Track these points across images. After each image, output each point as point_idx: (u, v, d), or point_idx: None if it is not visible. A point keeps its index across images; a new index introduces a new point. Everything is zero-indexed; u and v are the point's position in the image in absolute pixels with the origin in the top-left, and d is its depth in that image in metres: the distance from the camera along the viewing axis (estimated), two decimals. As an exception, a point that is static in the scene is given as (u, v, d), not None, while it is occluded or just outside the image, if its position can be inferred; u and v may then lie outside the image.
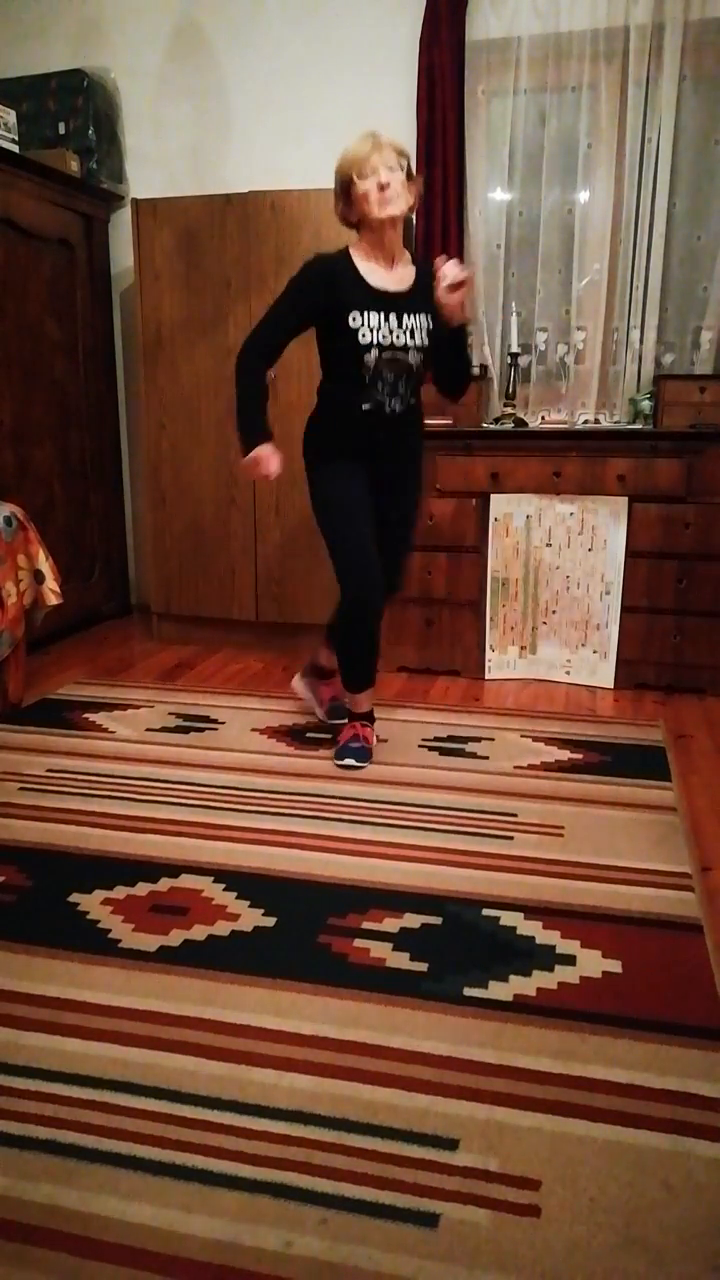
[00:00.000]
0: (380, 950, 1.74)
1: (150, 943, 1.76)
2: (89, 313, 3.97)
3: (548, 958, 1.71)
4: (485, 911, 1.87)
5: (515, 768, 2.58)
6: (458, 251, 3.54)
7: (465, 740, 2.78)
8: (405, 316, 2.39)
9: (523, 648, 3.43)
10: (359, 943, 1.76)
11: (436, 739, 2.79)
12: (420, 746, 2.73)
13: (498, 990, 1.62)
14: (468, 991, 1.62)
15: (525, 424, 3.47)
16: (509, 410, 3.54)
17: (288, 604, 3.71)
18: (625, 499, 3.19)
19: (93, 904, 1.89)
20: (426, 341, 2.44)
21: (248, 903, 1.90)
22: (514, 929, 1.81)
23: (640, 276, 3.45)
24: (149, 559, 3.90)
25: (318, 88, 3.76)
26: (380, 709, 2.91)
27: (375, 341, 2.37)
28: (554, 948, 1.75)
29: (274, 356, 2.43)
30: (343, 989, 1.62)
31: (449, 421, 3.29)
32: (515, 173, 3.55)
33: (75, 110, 3.81)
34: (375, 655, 2.62)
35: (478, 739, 2.79)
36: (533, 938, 1.78)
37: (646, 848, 2.13)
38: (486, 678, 3.43)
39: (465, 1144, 1.29)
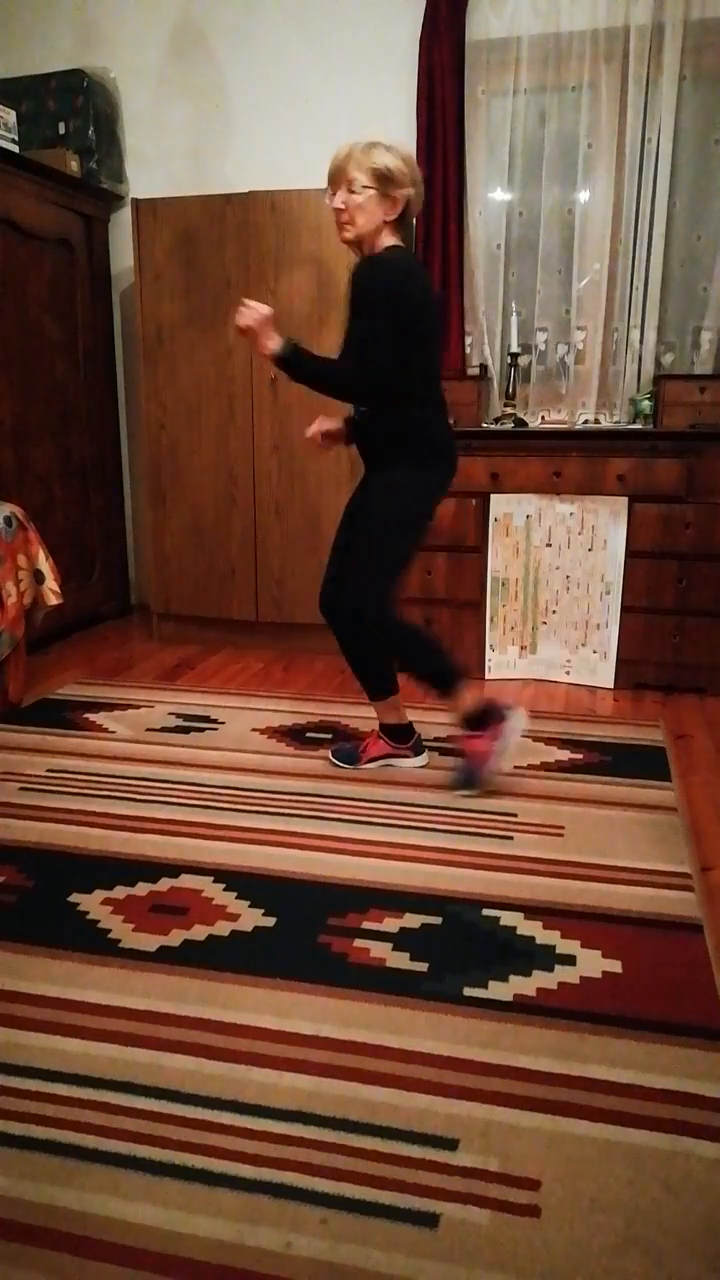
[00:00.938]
0: (380, 950, 1.74)
1: (150, 943, 1.76)
2: (89, 313, 3.97)
3: (548, 958, 1.71)
4: (485, 911, 1.87)
5: (515, 768, 2.58)
6: (458, 251, 3.55)
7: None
8: None
9: (523, 647, 3.43)
10: (359, 943, 1.76)
11: (437, 739, 2.79)
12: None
13: (498, 990, 1.62)
14: (468, 991, 1.62)
15: (525, 424, 3.47)
16: (509, 410, 3.55)
17: (288, 604, 3.71)
18: (625, 499, 3.19)
19: (93, 904, 1.89)
20: None
21: (248, 903, 1.90)
22: (514, 929, 1.81)
23: (640, 276, 3.46)
24: (149, 559, 3.90)
25: (318, 88, 3.76)
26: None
27: None
28: (554, 948, 1.75)
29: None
30: (343, 989, 1.62)
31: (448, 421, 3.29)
32: (515, 173, 3.56)
33: (75, 110, 3.81)
34: (363, 666, 2.52)
35: (478, 739, 2.79)
36: (533, 938, 1.78)
37: (646, 848, 2.13)
38: (487, 677, 3.43)
39: (465, 1144, 1.29)
